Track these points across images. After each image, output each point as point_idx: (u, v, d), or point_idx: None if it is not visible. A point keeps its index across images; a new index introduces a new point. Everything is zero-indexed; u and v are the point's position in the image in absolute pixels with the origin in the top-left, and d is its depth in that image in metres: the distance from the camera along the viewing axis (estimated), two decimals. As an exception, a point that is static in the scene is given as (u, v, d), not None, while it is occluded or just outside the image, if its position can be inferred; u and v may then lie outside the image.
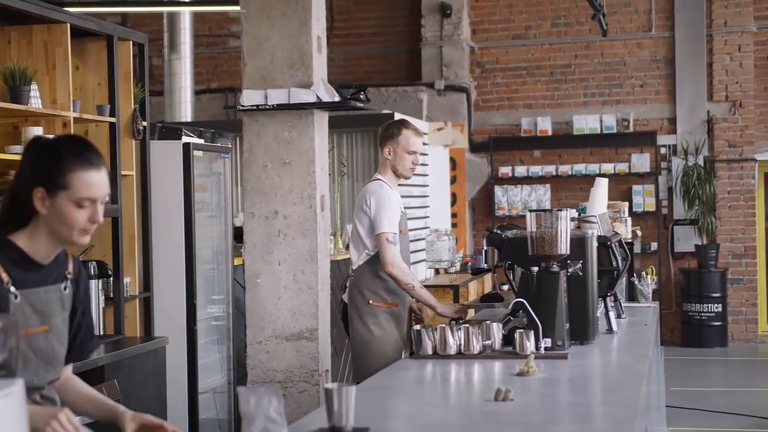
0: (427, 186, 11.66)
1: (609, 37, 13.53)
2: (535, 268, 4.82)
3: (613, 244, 5.54)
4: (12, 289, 2.97)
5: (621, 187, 13.75)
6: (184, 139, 7.34)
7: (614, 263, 5.54)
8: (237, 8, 6.39)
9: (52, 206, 3.00)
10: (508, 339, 4.73)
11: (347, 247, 9.55)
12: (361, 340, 5.97)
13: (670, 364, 11.15)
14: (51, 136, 3.18)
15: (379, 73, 14.75)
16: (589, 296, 5.04)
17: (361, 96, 6.24)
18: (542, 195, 14.11)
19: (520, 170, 14.14)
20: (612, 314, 5.55)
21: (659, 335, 7.18)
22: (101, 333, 6.27)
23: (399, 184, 6.20)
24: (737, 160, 13.83)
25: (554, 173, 14.06)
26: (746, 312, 13.90)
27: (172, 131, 7.47)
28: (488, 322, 4.78)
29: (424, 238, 11.11)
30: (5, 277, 2.97)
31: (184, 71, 12.44)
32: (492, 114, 14.46)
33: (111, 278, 6.49)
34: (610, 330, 5.48)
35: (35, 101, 5.85)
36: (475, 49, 14.46)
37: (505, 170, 14.20)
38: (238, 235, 6.91)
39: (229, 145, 8.24)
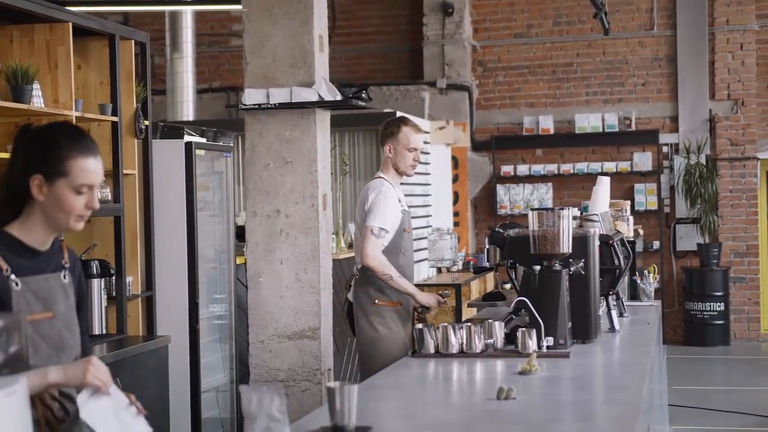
0: (429, 185, 11.66)
1: (611, 36, 13.52)
2: (538, 267, 4.82)
3: (615, 243, 5.54)
4: (12, 276, 2.99)
5: (623, 185, 13.74)
6: (186, 138, 7.34)
7: (616, 262, 5.54)
8: (239, 7, 6.39)
9: (50, 193, 3.03)
10: (510, 338, 4.74)
11: (350, 246, 9.56)
12: (367, 339, 5.97)
13: (673, 362, 11.14)
14: (42, 125, 3.19)
15: (381, 71, 14.75)
16: (591, 295, 5.03)
17: (363, 95, 6.24)
18: (544, 194, 14.10)
19: (522, 169, 14.13)
20: (614, 313, 5.54)
21: (662, 334, 7.18)
22: (104, 332, 6.27)
23: (401, 183, 6.19)
24: (739, 158, 13.82)
25: (556, 172, 14.06)
26: (748, 311, 13.89)
27: (174, 130, 7.48)
28: (490, 320, 4.78)
29: (426, 237, 11.12)
30: (4, 265, 2.99)
31: (186, 70, 12.44)
32: (494, 113, 14.46)
33: (113, 277, 6.49)
34: (612, 329, 5.48)
35: (37, 100, 5.85)
36: (477, 48, 14.46)
37: (507, 169, 14.20)
38: (241, 234, 6.91)
39: (231, 144, 8.24)
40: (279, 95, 6.01)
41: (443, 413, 3.71)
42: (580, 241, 4.99)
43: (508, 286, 8.62)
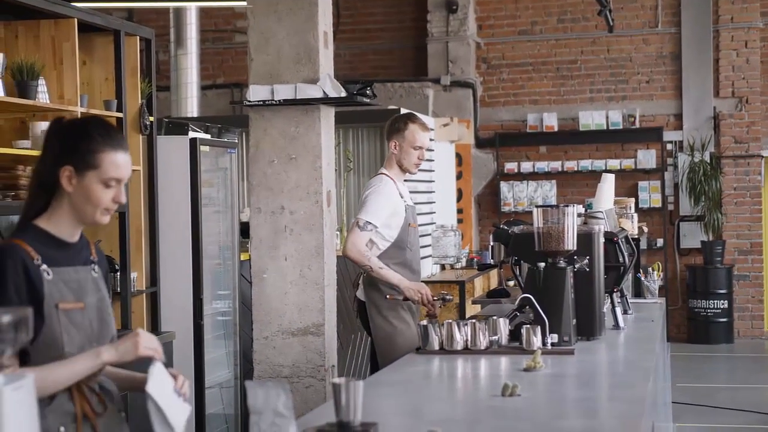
0: (433, 182, 11.65)
1: (615, 33, 13.51)
2: (542, 264, 4.82)
3: (619, 240, 5.54)
4: (44, 266, 3.02)
5: (627, 183, 13.74)
6: (191, 134, 7.34)
7: (621, 259, 5.54)
8: (243, 3, 6.39)
9: (79, 185, 3.06)
10: (514, 334, 4.74)
11: (353, 243, 9.55)
12: (384, 335, 5.96)
13: (676, 360, 11.14)
14: (75, 118, 3.25)
15: (385, 68, 14.75)
16: (596, 292, 5.03)
17: (368, 91, 6.23)
18: (548, 191, 14.10)
19: (526, 166, 14.13)
20: (618, 310, 5.55)
21: (666, 331, 7.18)
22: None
23: (405, 180, 6.19)
24: (743, 156, 13.82)
25: (560, 169, 14.06)
26: (752, 308, 13.88)
27: (178, 126, 7.48)
28: (495, 317, 4.78)
29: (430, 234, 11.11)
30: (35, 254, 3.02)
31: (190, 66, 12.43)
32: (498, 110, 14.45)
33: (118, 273, 6.49)
34: (616, 326, 5.48)
35: (43, 96, 5.85)
36: (481, 45, 14.45)
37: (510, 166, 14.20)
38: (245, 230, 6.91)
39: (236, 141, 8.24)
40: (283, 92, 6.00)
41: (448, 410, 3.72)
42: (585, 239, 4.99)
43: (512, 282, 8.62)
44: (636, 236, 7.10)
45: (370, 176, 11.35)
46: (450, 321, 4.71)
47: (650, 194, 13.87)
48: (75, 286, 3.09)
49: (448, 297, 6.15)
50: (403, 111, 9.45)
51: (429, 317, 6.08)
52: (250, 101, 6.06)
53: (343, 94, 5.99)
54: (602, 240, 5.20)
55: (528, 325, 4.65)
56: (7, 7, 5.83)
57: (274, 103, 6.01)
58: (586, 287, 4.98)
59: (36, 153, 5.87)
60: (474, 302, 7.11)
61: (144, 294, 6.83)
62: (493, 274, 11.59)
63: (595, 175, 13.61)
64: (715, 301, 13.44)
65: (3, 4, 5.79)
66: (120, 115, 6.48)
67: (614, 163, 13.82)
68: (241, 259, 7.74)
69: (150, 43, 7.01)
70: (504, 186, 14.20)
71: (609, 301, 5.53)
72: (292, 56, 6.05)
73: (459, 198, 13.65)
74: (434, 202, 11.75)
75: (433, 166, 11.64)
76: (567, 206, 4.85)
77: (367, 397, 3.06)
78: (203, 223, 7.22)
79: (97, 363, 3.00)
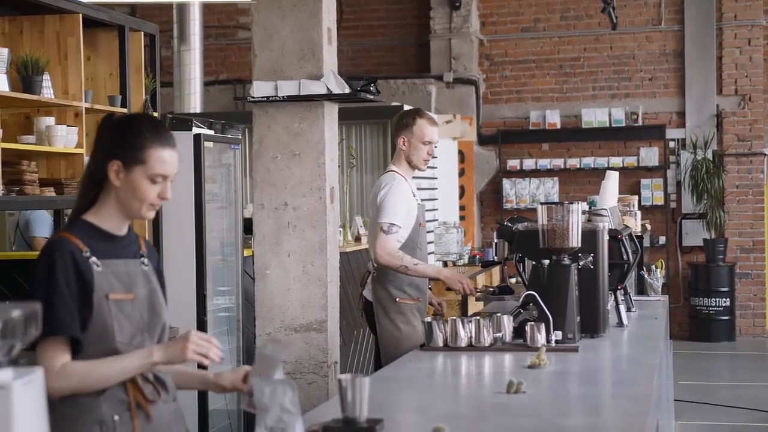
0: (436, 179, 11.65)
1: (618, 31, 13.51)
2: (546, 261, 4.82)
3: (623, 238, 5.54)
4: (93, 258, 3.07)
5: (629, 180, 13.73)
6: (195, 130, 7.34)
7: (625, 256, 5.54)
8: (247, 0, 6.38)
9: (126, 179, 3.10)
10: (518, 332, 4.74)
11: (356, 239, 9.56)
12: (390, 337, 5.86)
13: (678, 358, 11.13)
14: (125, 114, 3.35)
15: (387, 65, 14.75)
16: (600, 289, 5.03)
17: (372, 88, 6.22)
18: (550, 188, 14.10)
19: (529, 163, 14.13)
20: (622, 307, 5.55)
21: (669, 329, 7.18)
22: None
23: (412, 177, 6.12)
24: (746, 154, 13.81)
25: (562, 167, 14.06)
26: (754, 306, 13.89)
27: (182, 122, 7.47)
28: (499, 314, 4.78)
29: (432, 231, 11.11)
30: (84, 247, 3.07)
31: (193, 62, 12.43)
32: (500, 107, 14.45)
33: (121, 269, 6.48)
34: (620, 323, 5.48)
35: (47, 91, 5.86)
36: (484, 42, 14.45)
37: (513, 163, 14.20)
38: (248, 226, 6.91)
39: (239, 137, 8.24)
40: (287, 88, 5.99)
41: (454, 406, 3.72)
42: (590, 236, 4.99)
43: (513, 279, 8.62)
44: (639, 234, 7.10)
45: (372, 173, 11.40)
46: (454, 318, 4.71)
47: (653, 192, 13.87)
48: (125, 278, 3.14)
49: (490, 290, 6.12)
50: (407, 107, 9.44)
51: (435, 316, 6.08)
52: (253, 97, 6.06)
53: (347, 90, 5.98)
54: (606, 237, 5.20)
55: (532, 323, 4.65)
56: (12, 2, 5.84)
57: (278, 99, 6.00)
58: (590, 284, 4.98)
59: (40, 148, 5.88)
60: (477, 299, 7.09)
61: (147, 289, 6.82)
62: (495, 271, 11.59)
63: (598, 173, 13.63)
64: (717, 299, 13.44)
65: (8, 0, 5.79)
66: (124, 110, 6.48)
67: (617, 161, 13.82)
68: (244, 255, 7.74)
69: (154, 39, 7.01)
70: (506, 183, 14.20)
71: (612, 298, 5.53)
72: (295, 52, 6.05)
73: (461, 195, 13.65)
74: (437, 199, 11.75)
75: (436, 163, 11.62)
76: (571, 203, 4.85)
77: (371, 393, 3.06)
78: (207, 219, 7.22)
79: (148, 362, 3.06)
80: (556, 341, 4.67)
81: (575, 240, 4.82)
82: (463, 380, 4.34)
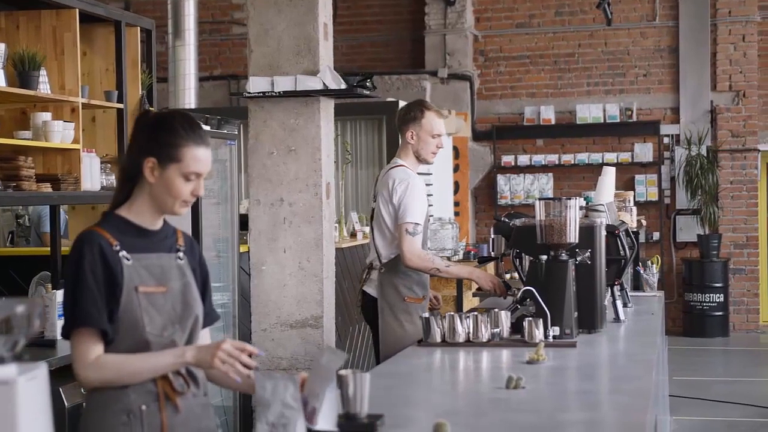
0: (431, 174, 11.65)
1: (613, 26, 13.51)
2: (544, 257, 4.82)
3: (620, 233, 5.55)
4: (123, 252, 3.12)
5: (624, 176, 13.73)
6: (191, 125, 7.31)
7: (622, 252, 5.54)
8: (243, -5, 6.38)
9: (161, 177, 3.15)
10: (516, 327, 4.74)
11: (352, 235, 9.55)
12: (393, 337, 5.72)
13: (672, 353, 11.15)
14: (161, 111, 3.37)
15: (382, 61, 14.74)
16: (598, 285, 5.04)
17: (368, 83, 6.21)
18: (545, 184, 14.11)
19: (523, 159, 14.14)
20: (619, 303, 5.56)
21: (664, 325, 7.19)
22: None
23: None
24: (740, 150, 13.83)
25: (557, 162, 14.06)
26: (747, 302, 13.91)
27: (178, 118, 7.44)
28: (496, 310, 4.79)
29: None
30: (114, 241, 3.12)
31: (188, 58, 12.41)
32: (495, 103, 14.45)
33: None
34: (617, 319, 5.49)
35: (44, 86, 5.84)
36: (479, 38, 14.45)
37: (507, 159, 14.20)
38: (244, 222, 6.89)
39: (236, 132, 8.23)
40: (283, 83, 5.98)
41: (453, 402, 3.72)
42: (587, 231, 5.00)
43: (507, 276, 8.62)
44: (635, 229, 7.11)
45: (367, 168, 11.41)
46: (452, 313, 4.71)
47: (647, 188, 13.89)
48: (157, 271, 3.18)
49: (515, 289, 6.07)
50: (402, 103, 9.41)
51: (432, 311, 6.06)
52: (250, 93, 6.04)
53: (343, 86, 5.97)
54: (604, 233, 5.21)
55: (530, 318, 4.66)
56: (8, -4, 5.83)
57: (274, 94, 5.99)
58: (587, 280, 4.99)
59: (37, 144, 5.87)
60: (474, 295, 7.09)
61: (143, 285, 6.81)
62: (489, 267, 11.59)
63: (592, 169, 13.66)
64: (711, 295, 13.46)
65: (4, -5, 5.79)
66: (120, 106, 6.47)
67: (611, 157, 13.83)
68: (240, 251, 7.73)
69: (150, 34, 7.00)
70: (501, 179, 14.20)
71: (609, 294, 5.54)
72: (292, 48, 6.04)
73: (456, 191, 13.65)
74: (431, 195, 11.74)
75: (431, 158, 11.62)
76: (569, 199, 4.86)
77: (370, 388, 3.06)
78: (202, 214, 7.21)
79: (180, 362, 3.11)
80: (554, 337, 4.67)
81: (573, 236, 4.83)
82: (462, 376, 4.34)
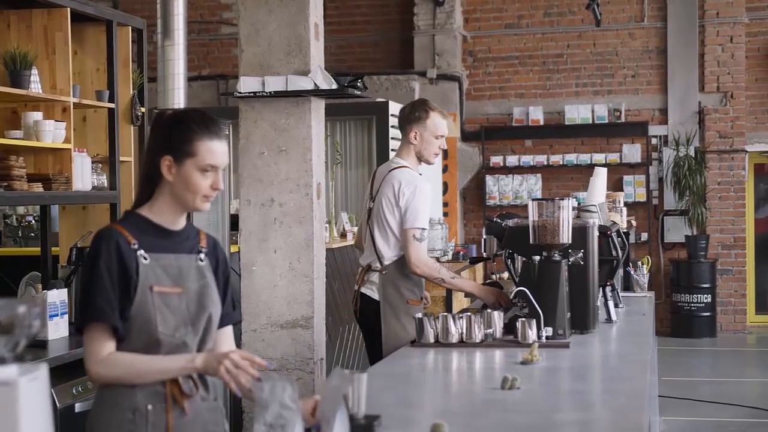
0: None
1: (601, 27, 13.53)
2: (537, 257, 4.83)
3: (612, 234, 5.55)
4: (141, 252, 3.15)
5: (612, 177, 13.72)
6: (181, 125, 7.30)
7: (614, 253, 5.55)
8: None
9: (178, 173, 3.18)
10: (509, 328, 4.75)
11: (342, 236, 9.55)
12: (396, 339, 5.54)
13: (660, 354, 11.15)
14: (175, 110, 3.46)
15: (370, 61, 14.74)
16: (590, 285, 5.05)
17: (359, 84, 6.21)
18: (533, 185, 14.12)
19: (512, 160, 14.15)
20: (611, 303, 5.56)
21: (654, 325, 7.21)
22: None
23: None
24: (728, 151, 13.87)
25: (545, 163, 14.08)
26: (735, 303, 13.95)
27: (168, 117, 7.42)
28: (489, 310, 4.79)
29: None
30: (131, 239, 3.16)
31: (177, 58, 12.36)
32: (484, 103, 14.46)
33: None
34: (609, 319, 5.50)
35: (35, 86, 5.82)
36: (468, 38, 14.46)
37: (496, 160, 14.22)
38: (234, 222, 6.88)
39: (226, 132, 8.21)
40: (274, 83, 5.98)
41: (448, 402, 3.72)
42: (580, 232, 5.01)
43: (501, 275, 8.63)
44: (626, 230, 7.12)
45: (358, 169, 11.40)
46: (445, 314, 4.71)
47: (635, 188, 13.91)
48: (174, 271, 3.21)
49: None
50: (392, 104, 9.45)
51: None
52: (240, 93, 6.03)
53: (334, 86, 5.96)
54: (596, 233, 5.22)
55: (523, 318, 4.66)
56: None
57: (265, 94, 5.99)
58: (580, 281, 5.00)
59: (28, 143, 5.85)
60: (466, 295, 7.09)
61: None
62: (478, 267, 11.60)
63: (581, 169, 13.69)
64: (699, 296, 13.50)
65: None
66: (112, 105, 6.44)
67: (599, 157, 13.86)
68: (231, 251, 7.72)
69: (141, 34, 7.00)
70: (489, 179, 14.21)
71: (601, 294, 5.55)
72: (282, 48, 6.03)
73: (445, 191, 13.66)
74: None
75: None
76: (562, 200, 4.86)
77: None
78: (193, 215, 7.19)
79: (190, 367, 3.13)
80: (547, 337, 4.68)
81: (566, 236, 4.84)
82: (456, 376, 4.34)
